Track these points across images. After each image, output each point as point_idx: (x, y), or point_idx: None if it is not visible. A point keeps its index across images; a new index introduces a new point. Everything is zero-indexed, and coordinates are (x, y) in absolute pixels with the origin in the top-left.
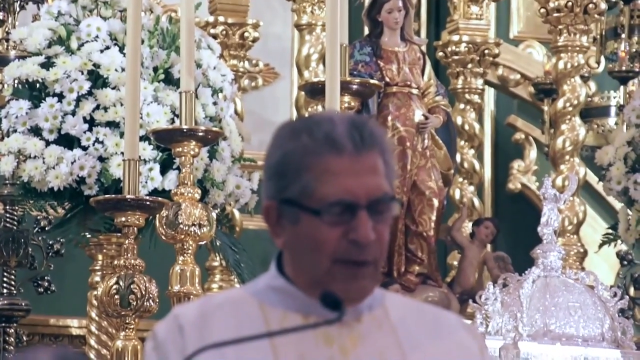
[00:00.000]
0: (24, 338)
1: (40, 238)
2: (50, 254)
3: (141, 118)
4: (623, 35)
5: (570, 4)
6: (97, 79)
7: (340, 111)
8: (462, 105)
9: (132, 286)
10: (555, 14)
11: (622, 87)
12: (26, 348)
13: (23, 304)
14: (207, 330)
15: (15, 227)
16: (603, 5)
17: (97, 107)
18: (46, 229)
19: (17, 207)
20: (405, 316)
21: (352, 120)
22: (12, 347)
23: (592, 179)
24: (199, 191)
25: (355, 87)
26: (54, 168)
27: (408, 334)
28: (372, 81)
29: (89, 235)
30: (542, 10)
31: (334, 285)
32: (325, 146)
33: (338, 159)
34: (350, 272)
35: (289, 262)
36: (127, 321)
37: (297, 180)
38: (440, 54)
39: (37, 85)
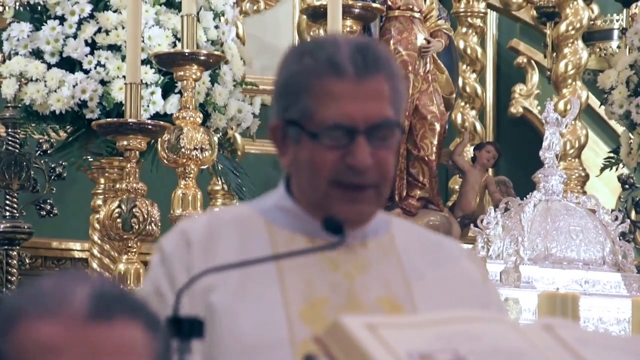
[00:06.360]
0: (27, 261)
1: (42, 161)
2: (52, 177)
3: (143, 41)
4: None
5: None
6: (98, 2)
7: (348, 34)
8: (464, 29)
9: (134, 210)
10: None
11: (625, 10)
12: (59, 274)
13: (25, 226)
14: (214, 248)
15: (17, 150)
16: None
17: (99, 30)
18: (48, 152)
19: (19, 130)
20: (410, 244)
21: (357, 43)
22: (14, 270)
23: (594, 102)
24: (201, 115)
25: (357, 10)
26: (55, 91)
27: (412, 263)
28: (374, 5)
29: (91, 159)
30: None
31: (331, 208)
32: (326, 69)
33: (339, 82)
34: (347, 195)
35: (294, 182)
36: (129, 244)
37: (298, 101)
38: None
39: (39, 7)
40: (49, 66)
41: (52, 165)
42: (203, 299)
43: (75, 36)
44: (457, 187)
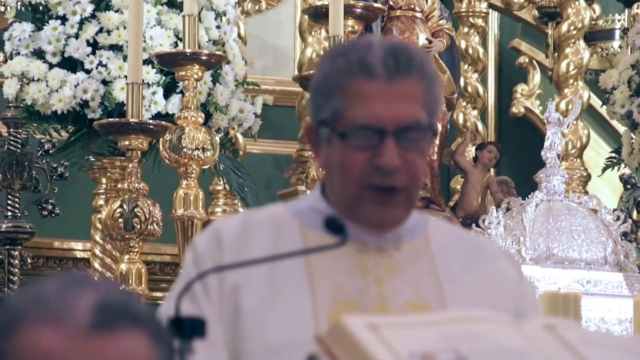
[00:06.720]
0: (29, 261)
1: (44, 161)
2: (54, 177)
3: (144, 41)
4: None
5: None
6: (100, 2)
7: (385, 37)
8: (465, 29)
9: (136, 210)
10: None
11: (626, 10)
12: (65, 277)
13: (27, 226)
14: (246, 247)
15: (19, 150)
16: None
17: (101, 30)
18: (50, 152)
19: (20, 130)
20: (446, 245)
21: (390, 45)
22: (16, 270)
23: (596, 102)
24: (203, 115)
25: (359, 10)
26: (57, 91)
27: (446, 265)
28: (375, 5)
29: (92, 159)
30: None
31: (362, 210)
32: (357, 69)
33: (369, 83)
34: (378, 197)
35: (328, 184)
36: (131, 244)
37: (330, 102)
38: None
39: (40, 7)
40: (51, 66)
41: (54, 165)
42: (232, 299)
43: (76, 36)
44: (458, 187)
